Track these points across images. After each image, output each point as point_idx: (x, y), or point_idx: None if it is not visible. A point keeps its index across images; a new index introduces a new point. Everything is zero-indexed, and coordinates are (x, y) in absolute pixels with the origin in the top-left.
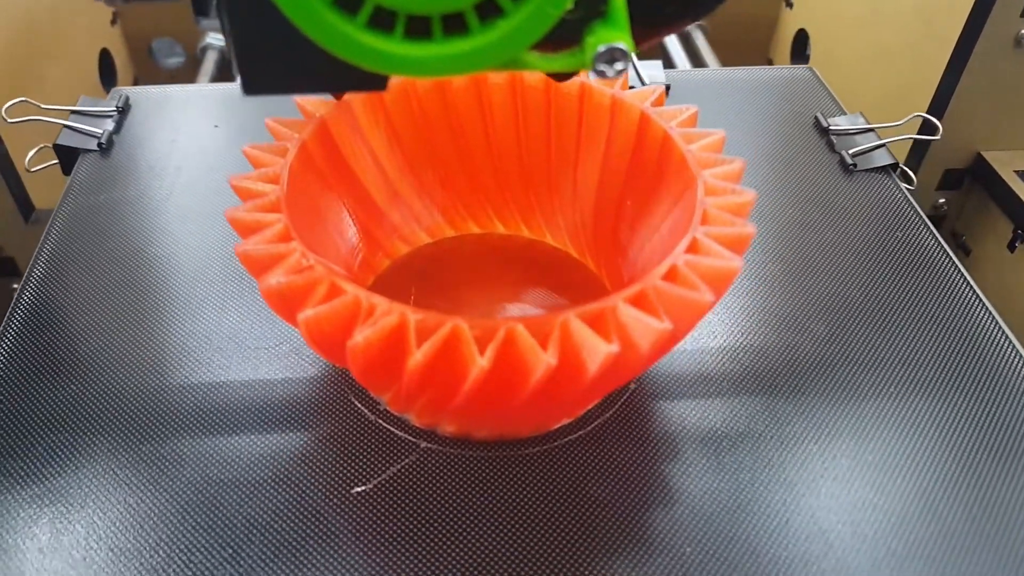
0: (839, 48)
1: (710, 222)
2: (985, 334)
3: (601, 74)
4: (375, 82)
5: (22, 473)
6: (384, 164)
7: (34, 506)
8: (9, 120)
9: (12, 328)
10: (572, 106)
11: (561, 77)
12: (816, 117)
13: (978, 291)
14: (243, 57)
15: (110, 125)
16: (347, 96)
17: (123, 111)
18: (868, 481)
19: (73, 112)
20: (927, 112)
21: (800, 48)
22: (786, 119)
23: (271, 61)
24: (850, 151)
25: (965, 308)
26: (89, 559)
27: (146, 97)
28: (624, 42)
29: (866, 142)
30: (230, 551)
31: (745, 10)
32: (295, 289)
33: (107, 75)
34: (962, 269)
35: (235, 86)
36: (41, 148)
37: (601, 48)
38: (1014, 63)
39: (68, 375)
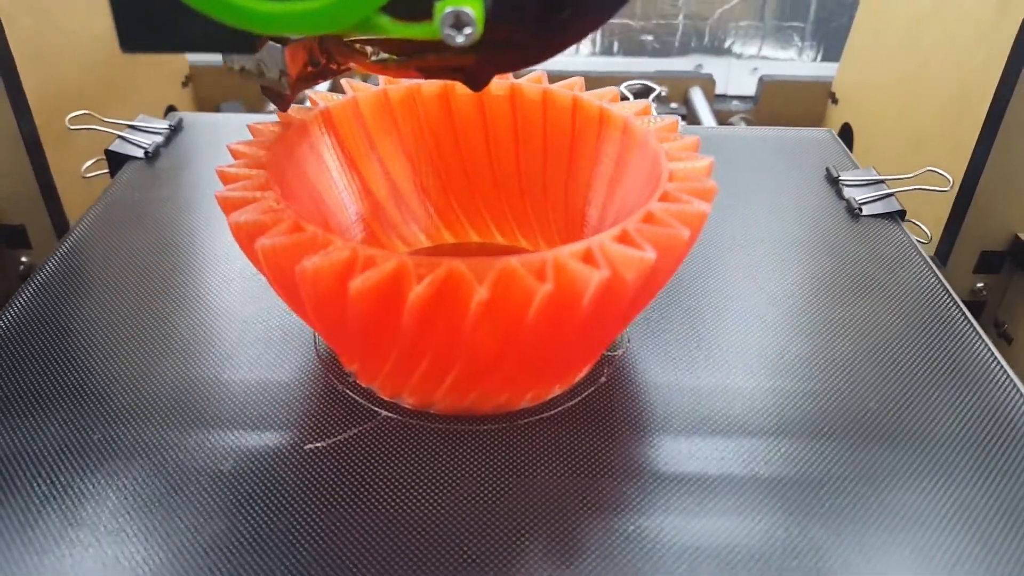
0: (882, 140)
1: (669, 200)
2: (988, 373)
3: (449, 39)
4: (243, 44)
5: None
6: (385, 160)
7: None
8: (71, 127)
9: (26, 292)
10: (565, 118)
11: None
12: (827, 168)
13: (978, 329)
14: (120, 15)
15: (160, 140)
16: (355, 94)
17: (175, 130)
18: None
19: (130, 126)
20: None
21: (845, 141)
22: (800, 171)
23: (146, 20)
24: (857, 198)
25: (968, 349)
26: (38, 484)
27: (199, 121)
28: (471, 7)
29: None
30: (176, 480)
31: (792, 107)
32: (260, 226)
33: None
34: (964, 310)
35: None
36: (98, 160)
37: (447, 10)
38: None
39: (71, 336)
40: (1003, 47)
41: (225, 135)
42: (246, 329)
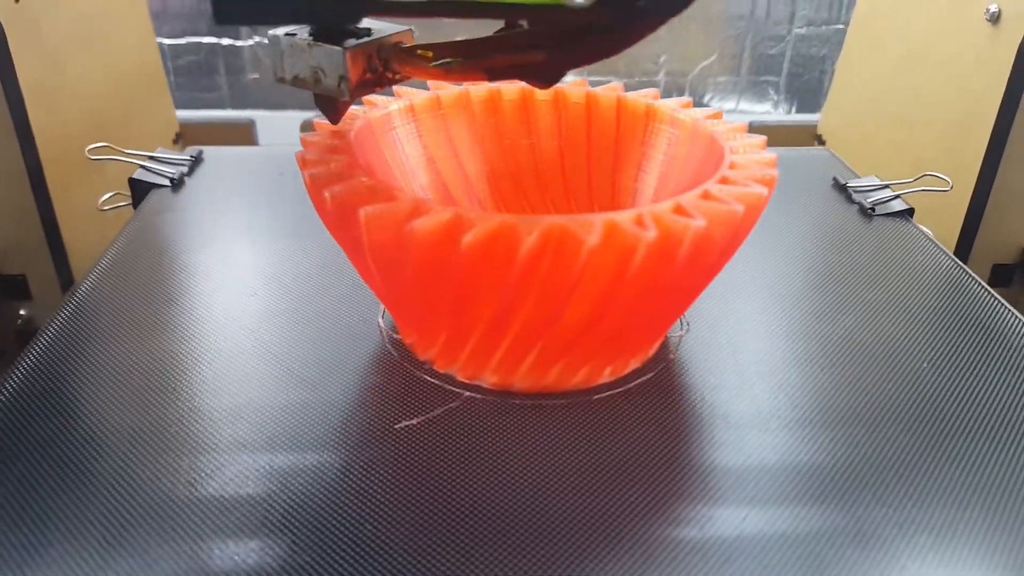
0: (878, 172)
1: (738, 168)
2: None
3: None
4: (345, 11)
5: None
6: (438, 164)
7: None
8: (92, 158)
9: (67, 307)
10: (610, 117)
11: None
12: (834, 178)
13: (1006, 304)
14: None
15: (185, 169)
16: (410, 100)
17: (196, 161)
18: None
19: (150, 157)
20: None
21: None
22: (807, 182)
23: None
24: (868, 200)
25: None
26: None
27: (218, 153)
28: None
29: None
30: (279, 470)
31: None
32: (357, 197)
33: None
34: (990, 290)
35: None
36: (115, 193)
37: None
38: None
39: (112, 345)
40: (1001, 70)
41: (248, 167)
42: (306, 327)
